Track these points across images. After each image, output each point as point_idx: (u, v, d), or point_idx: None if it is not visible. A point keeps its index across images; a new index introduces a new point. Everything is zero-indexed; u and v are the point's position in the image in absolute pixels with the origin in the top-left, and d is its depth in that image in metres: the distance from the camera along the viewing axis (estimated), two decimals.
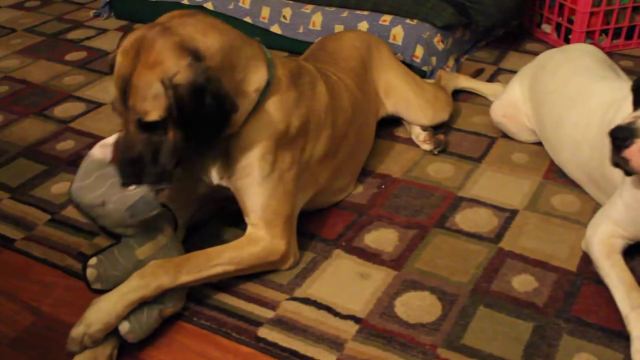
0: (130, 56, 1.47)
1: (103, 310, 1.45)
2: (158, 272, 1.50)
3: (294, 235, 1.73)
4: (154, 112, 1.45)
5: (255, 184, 1.64)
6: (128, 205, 1.49)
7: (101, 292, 1.50)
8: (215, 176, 1.67)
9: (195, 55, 1.45)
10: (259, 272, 1.70)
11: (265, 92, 1.63)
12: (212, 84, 1.45)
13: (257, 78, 1.61)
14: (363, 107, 2.05)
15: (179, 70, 1.43)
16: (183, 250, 1.62)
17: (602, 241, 1.64)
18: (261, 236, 1.65)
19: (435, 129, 2.26)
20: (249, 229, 1.67)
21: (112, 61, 1.53)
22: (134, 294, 1.47)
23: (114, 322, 1.46)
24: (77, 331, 1.44)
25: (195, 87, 1.44)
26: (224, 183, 1.68)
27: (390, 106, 2.25)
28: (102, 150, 1.56)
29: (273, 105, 1.64)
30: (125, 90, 1.46)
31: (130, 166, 1.50)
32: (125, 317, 1.46)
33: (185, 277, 1.53)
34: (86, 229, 1.88)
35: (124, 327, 1.46)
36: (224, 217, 1.89)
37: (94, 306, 1.47)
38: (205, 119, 1.47)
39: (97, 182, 1.51)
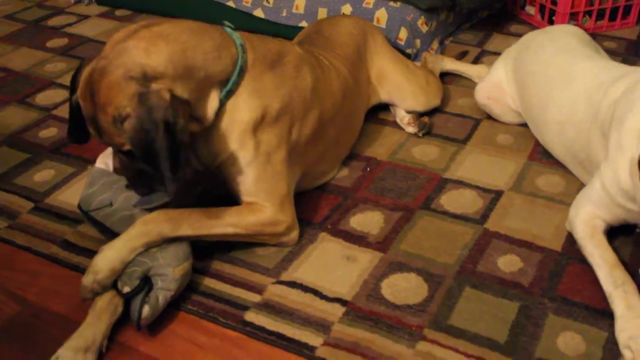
0: (88, 100, 1.47)
1: (109, 257, 1.51)
2: (160, 219, 1.55)
3: (294, 211, 1.73)
4: (127, 144, 1.46)
5: (241, 171, 1.64)
6: (134, 202, 1.62)
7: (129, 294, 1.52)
8: (201, 165, 1.67)
9: (144, 78, 1.42)
10: (247, 256, 1.70)
11: (237, 80, 1.61)
12: (159, 110, 1.40)
13: (219, 69, 1.57)
14: (354, 94, 2.05)
15: (127, 103, 1.41)
16: (189, 245, 1.61)
17: (585, 222, 1.65)
18: (263, 206, 1.66)
19: (422, 112, 2.26)
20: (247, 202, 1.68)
21: (75, 102, 1.54)
22: (138, 240, 1.53)
23: (120, 267, 1.51)
24: (87, 280, 1.50)
25: (141, 117, 1.40)
26: (212, 169, 1.67)
27: (384, 94, 2.25)
28: (103, 161, 1.75)
29: (246, 93, 1.63)
30: (96, 129, 1.49)
31: (136, 181, 1.58)
32: (145, 302, 1.49)
33: (185, 230, 1.57)
34: (71, 216, 1.87)
35: (146, 311, 1.48)
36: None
37: (100, 254, 1.52)
38: (159, 147, 1.41)
39: (104, 188, 1.69)
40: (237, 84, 1.61)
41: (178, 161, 1.42)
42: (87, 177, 1.74)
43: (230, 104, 1.61)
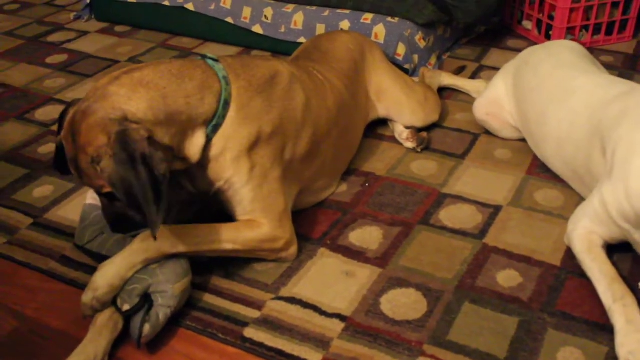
0: (70, 142, 1.47)
1: (108, 274, 1.51)
2: (159, 235, 1.53)
3: (292, 227, 1.73)
4: (107, 186, 1.45)
5: (238, 194, 1.65)
6: None
7: (129, 312, 1.52)
8: (196, 190, 1.67)
9: (125, 121, 1.42)
10: (246, 272, 1.70)
11: (223, 114, 1.60)
12: (136, 144, 1.39)
13: (203, 110, 1.57)
14: (350, 109, 2.05)
15: (105, 143, 1.40)
16: (188, 261, 1.61)
17: (582, 237, 1.65)
18: (261, 223, 1.66)
19: (420, 128, 2.26)
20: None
21: (59, 143, 1.56)
22: (137, 256, 1.53)
23: (119, 284, 1.52)
24: (86, 297, 1.50)
25: (118, 153, 1.39)
26: (210, 195, 1.68)
27: (382, 109, 2.25)
28: (93, 196, 1.76)
29: (236, 123, 1.62)
30: (77, 170, 1.49)
31: (116, 223, 1.58)
32: (146, 320, 1.49)
33: (184, 246, 1.57)
34: (69, 232, 1.87)
35: (147, 329, 1.48)
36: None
37: (99, 271, 1.52)
38: (138, 183, 1.39)
39: (95, 220, 1.71)
40: (223, 116, 1.61)
41: (160, 195, 1.41)
42: (80, 214, 1.77)
43: (219, 136, 1.61)
